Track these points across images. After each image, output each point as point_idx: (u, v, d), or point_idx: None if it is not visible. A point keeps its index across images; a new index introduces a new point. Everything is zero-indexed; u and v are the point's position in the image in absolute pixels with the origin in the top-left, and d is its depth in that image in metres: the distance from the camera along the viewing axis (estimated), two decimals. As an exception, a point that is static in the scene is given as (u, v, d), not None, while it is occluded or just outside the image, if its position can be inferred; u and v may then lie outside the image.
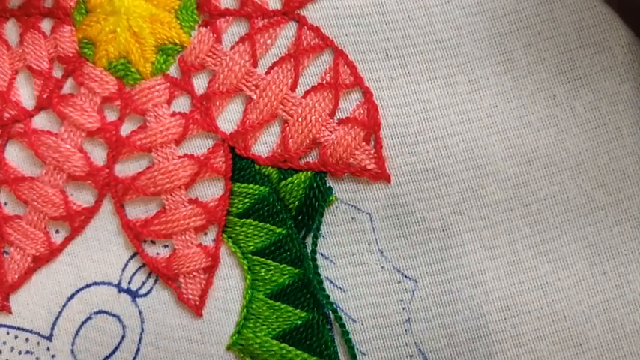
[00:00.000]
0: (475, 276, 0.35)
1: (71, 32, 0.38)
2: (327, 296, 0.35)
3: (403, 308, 0.35)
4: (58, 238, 0.38)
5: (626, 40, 0.34)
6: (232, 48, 0.37)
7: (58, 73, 0.38)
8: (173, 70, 0.37)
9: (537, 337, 0.34)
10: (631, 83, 0.34)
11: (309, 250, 0.36)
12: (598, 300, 0.34)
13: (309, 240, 0.36)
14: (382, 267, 0.35)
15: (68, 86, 0.38)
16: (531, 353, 0.34)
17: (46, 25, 0.39)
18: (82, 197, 0.38)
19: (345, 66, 0.36)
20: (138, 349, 0.37)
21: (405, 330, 0.35)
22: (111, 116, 0.38)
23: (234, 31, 0.37)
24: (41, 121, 0.38)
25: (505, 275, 0.35)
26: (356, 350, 0.35)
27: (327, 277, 0.36)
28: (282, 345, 0.36)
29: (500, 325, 0.34)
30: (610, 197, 0.34)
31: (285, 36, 0.37)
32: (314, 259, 0.36)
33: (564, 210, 0.34)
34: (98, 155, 0.38)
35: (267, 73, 0.36)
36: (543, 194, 0.34)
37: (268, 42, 0.37)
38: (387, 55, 0.36)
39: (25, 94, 0.38)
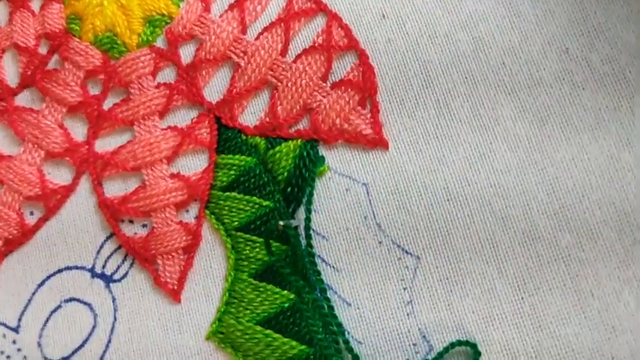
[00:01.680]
0: (486, 250, 0.30)
1: (60, 9, 0.37)
2: (319, 272, 0.31)
3: (404, 289, 0.31)
4: (31, 220, 0.35)
5: (646, -3, 0.31)
6: (221, 16, 0.35)
7: (44, 50, 0.37)
8: (160, 42, 0.36)
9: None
10: (653, 38, 0.31)
11: (302, 226, 0.32)
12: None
13: (299, 214, 0.32)
14: (380, 242, 0.31)
15: (53, 62, 0.37)
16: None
17: (35, 4, 0.38)
18: (59, 175, 0.35)
19: (339, 28, 0.34)
20: (109, 341, 0.33)
21: (407, 314, 0.31)
22: (94, 91, 0.36)
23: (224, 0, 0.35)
24: (24, 99, 0.37)
25: (520, 248, 0.30)
26: (350, 338, 0.31)
27: (318, 255, 0.32)
28: (268, 332, 0.31)
29: (518, 305, 0.30)
30: (636, 158, 0.30)
31: (277, 2, 0.35)
32: (308, 236, 0.32)
33: (586, 173, 0.30)
34: (79, 131, 0.36)
35: (256, 39, 0.34)
36: (560, 156, 0.31)
37: (258, 8, 0.35)
38: (384, 16, 0.33)
39: (10, 72, 0.37)
